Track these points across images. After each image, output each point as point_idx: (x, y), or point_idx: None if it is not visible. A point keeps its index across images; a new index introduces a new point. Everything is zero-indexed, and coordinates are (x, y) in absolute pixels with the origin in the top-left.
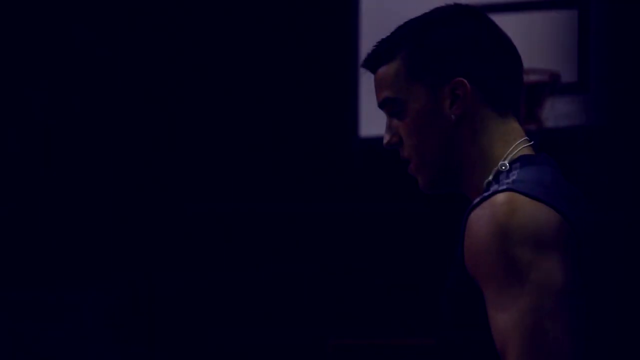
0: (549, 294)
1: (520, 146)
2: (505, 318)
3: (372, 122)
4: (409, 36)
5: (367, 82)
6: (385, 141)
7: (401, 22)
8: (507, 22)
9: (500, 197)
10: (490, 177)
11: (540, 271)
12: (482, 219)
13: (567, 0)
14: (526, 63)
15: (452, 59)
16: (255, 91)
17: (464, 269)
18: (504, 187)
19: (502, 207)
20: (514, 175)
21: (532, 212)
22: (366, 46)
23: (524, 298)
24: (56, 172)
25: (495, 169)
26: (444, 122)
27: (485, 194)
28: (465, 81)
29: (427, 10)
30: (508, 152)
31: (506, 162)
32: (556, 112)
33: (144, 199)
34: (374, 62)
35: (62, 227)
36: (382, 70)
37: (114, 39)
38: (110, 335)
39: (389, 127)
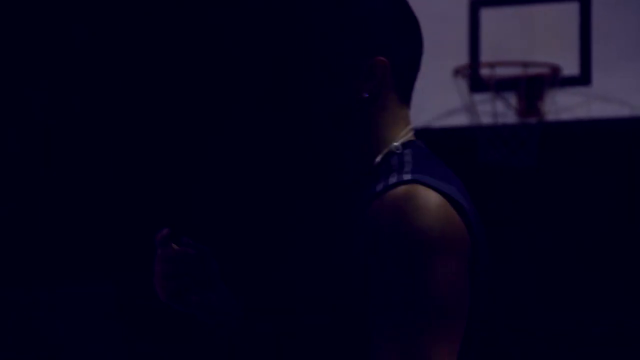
0: (435, 299)
1: (409, 133)
2: (389, 323)
3: None
4: (330, 4)
5: None
6: None
7: None
8: (508, 16)
9: (406, 191)
10: (379, 159)
11: (435, 274)
12: (388, 212)
13: None
14: (527, 56)
15: (373, 36)
16: (254, 96)
17: (360, 255)
18: (408, 177)
19: (410, 203)
20: (409, 162)
21: (439, 212)
22: None
23: (412, 300)
24: (56, 172)
25: (386, 150)
26: (355, 98)
27: (389, 181)
28: (387, 61)
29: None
30: (400, 136)
31: (399, 145)
32: (557, 105)
33: (144, 199)
34: None
35: (62, 226)
36: None
37: (114, 39)
38: (112, 333)
39: None
